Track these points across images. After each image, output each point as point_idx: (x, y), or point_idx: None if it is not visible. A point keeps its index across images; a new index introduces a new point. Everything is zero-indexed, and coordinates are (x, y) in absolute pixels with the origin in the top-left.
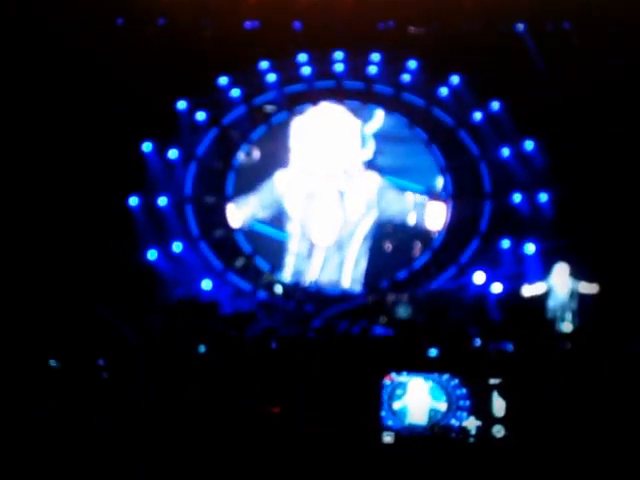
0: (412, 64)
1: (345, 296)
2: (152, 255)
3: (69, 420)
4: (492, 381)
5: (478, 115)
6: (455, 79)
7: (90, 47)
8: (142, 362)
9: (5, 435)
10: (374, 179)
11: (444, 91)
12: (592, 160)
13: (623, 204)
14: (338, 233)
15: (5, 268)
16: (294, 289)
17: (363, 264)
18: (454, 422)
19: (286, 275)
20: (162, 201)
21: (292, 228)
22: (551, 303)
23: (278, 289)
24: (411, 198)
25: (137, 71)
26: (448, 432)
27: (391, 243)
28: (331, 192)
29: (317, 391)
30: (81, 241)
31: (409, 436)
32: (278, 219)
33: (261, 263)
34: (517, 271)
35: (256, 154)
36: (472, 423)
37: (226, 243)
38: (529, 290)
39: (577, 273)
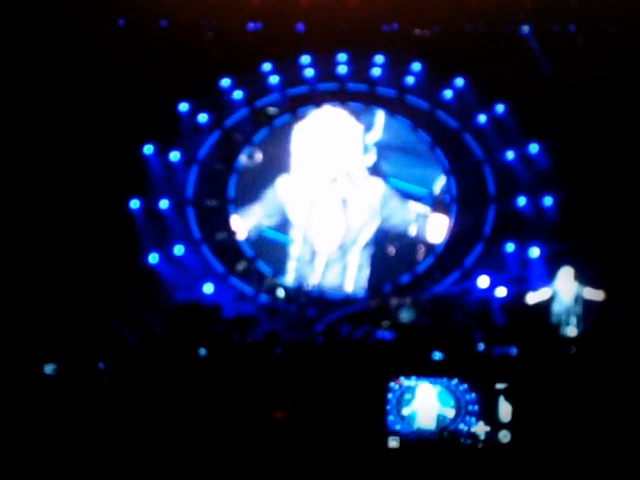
0: (416, 66)
1: (348, 300)
2: (153, 258)
3: (69, 424)
4: (498, 386)
5: (482, 118)
6: (459, 81)
7: (91, 48)
8: (143, 366)
9: (5, 439)
10: (378, 186)
11: (448, 94)
12: (597, 163)
13: (629, 208)
14: (341, 240)
15: (6, 270)
16: (297, 293)
17: (366, 269)
18: (463, 427)
19: (288, 279)
20: (163, 204)
21: (294, 234)
22: (556, 307)
23: (280, 293)
24: (414, 208)
25: (138, 73)
26: (457, 437)
27: (394, 247)
28: (334, 199)
29: (321, 396)
30: (82, 244)
31: (416, 441)
32: (282, 224)
33: (263, 267)
34: (522, 275)
35: (258, 157)
36: (481, 428)
37: (228, 246)
38: (534, 297)
39: (582, 278)
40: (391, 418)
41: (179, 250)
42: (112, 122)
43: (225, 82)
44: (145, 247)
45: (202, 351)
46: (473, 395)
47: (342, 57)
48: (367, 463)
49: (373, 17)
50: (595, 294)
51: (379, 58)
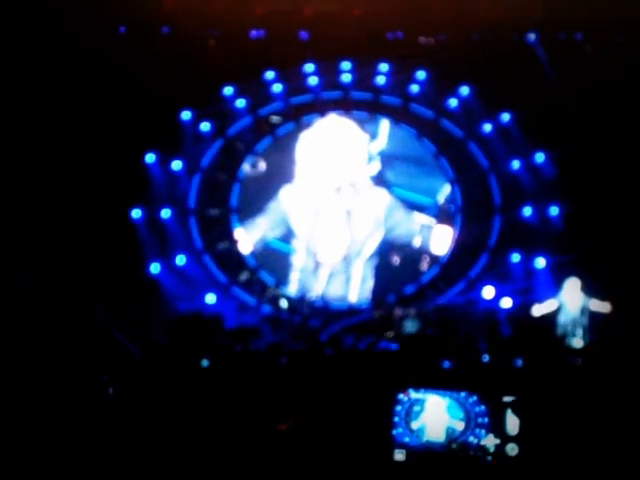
0: (421, 74)
1: (352, 311)
2: (155, 268)
3: (72, 434)
4: (506, 399)
5: (488, 127)
6: (465, 90)
7: (92, 56)
8: (145, 377)
9: (8, 449)
10: (383, 197)
11: (453, 102)
12: (604, 172)
13: (637, 218)
14: (345, 251)
15: (7, 279)
16: (300, 303)
17: (370, 279)
18: (472, 440)
19: (292, 289)
20: (165, 213)
21: (298, 244)
22: (562, 319)
23: (283, 303)
24: (419, 219)
25: (140, 81)
26: (466, 450)
27: (399, 257)
28: (338, 209)
29: (327, 408)
30: (83, 254)
31: (424, 453)
32: (286, 235)
33: (266, 277)
34: (527, 286)
35: (262, 166)
36: (491, 441)
37: (230, 256)
38: (540, 309)
39: (588, 289)
40: (400, 430)
41: (181, 260)
42: (114, 130)
43: (228, 90)
44: (147, 257)
45: (204, 362)
46: (482, 407)
47: (346, 65)
48: (373, 476)
49: (377, 25)
50: (601, 306)
51: (383, 66)
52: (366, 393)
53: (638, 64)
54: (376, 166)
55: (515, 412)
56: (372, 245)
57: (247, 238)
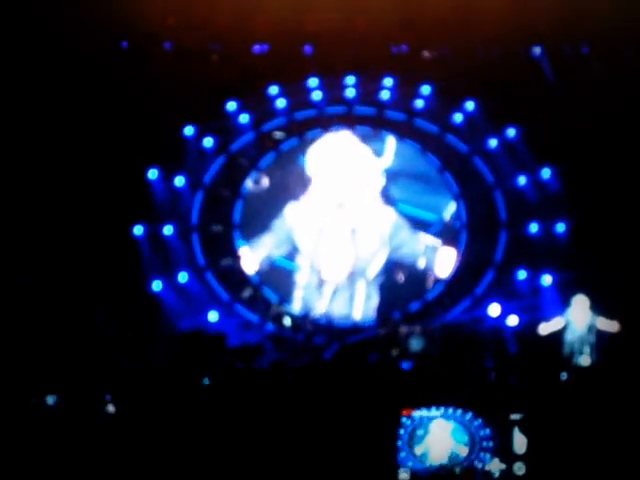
0: (426, 89)
1: (356, 328)
2: (157, 286)
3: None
4: (513, 417)
5: (493, 142)
6: (470, 105)
7: (94, 71)
8: (147, 396)
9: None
10: (389, 215)
11: (458, 117)
12: (612, 188)
13: None
14: (349, 269)
15: (8, 297)
16: (304, 321)
17: (375, 297)
18: (477, 464)
19: (295, 307)
20: (168, 230)
21: (302, 261)
22: (569, 336)
23: (287, 321)
24: (424, 240)
25: (142, 96)
26: (471, 474)
27: (404, 274)
28: (343, 228)
29: (330, 427)
30: (84, 272)
31: (427, 476)
32: (291, 252)
33: (269, 294)
34: (534, 303)
35: (265, 182)
36: (496, 465)
37: (233, 273)
38: (546, 327)
39: (595, 307)
40: (403, 454)
41: (183, 277)
42: (116, 146)
43: (231, 105)
44: (149, 274)
45: (205, 381)
46: (487, 431)
47: (350, 80)
48: None
49: (382, 39)
50: (609, 325)
51: (388, 81)
52: (370, 414)
53: None
54: (381, 182)
55: (522, 431)
56: (377, 265)
57: (253, 256)
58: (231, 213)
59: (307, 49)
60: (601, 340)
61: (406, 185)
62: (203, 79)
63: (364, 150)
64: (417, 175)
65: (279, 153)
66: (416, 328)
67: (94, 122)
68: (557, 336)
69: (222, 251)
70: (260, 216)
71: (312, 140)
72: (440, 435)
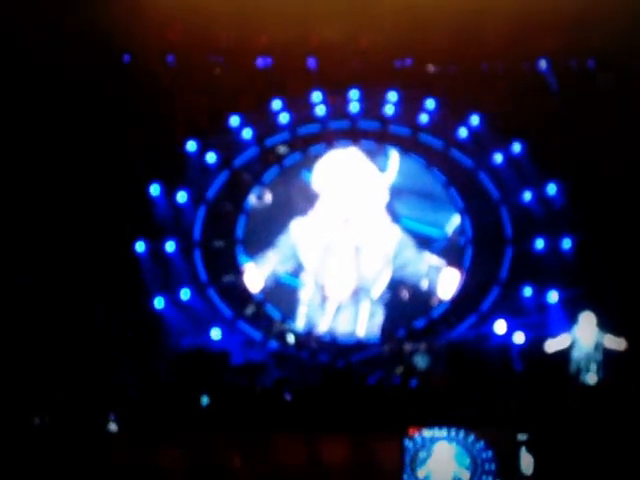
0: (430, 104)
1: (360, 346)
2: (159, 303)
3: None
4: (520, 437)
5: (499, 157)
6: (475, 119)
7: (95, 85)
8: (148, 414)
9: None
10: (393, 232)
11: (463, 132)
12: (618, 204)
13: None
14: (353, 286)
15: (8, 315)
16: (307, 338)
17: (379, 314)
18: None
19: (299, 324)
20: (170, 246)
21: (306, 278)
22: (575, 354)
23: (290, 338)
24: (428, 260)
25: (144, 110)
26: None
27: (408, 291)
28: (348, 245)
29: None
30: (85, 289)
31: None
32: (296, 269)
33: (272, 311)
34: (540, 320)
35: (268, 197)
36: None
37: (236, 290)
38: (553, 344)
39: (602, 324)
40: (405, 477)
41: (185, 294)
42: (118, 161)
43: (234, 120)
44: (150, 291)
45: (206, 399)
46: (489, 453)
47: (354, 94)
48: None
49: (386, 53)
50: (617, 342)
51: (392, 95)
52: (374, 434)
53: None
54: (385, 198)
55: (529, 451)
56: (381, 283)
57: (256, 273)
58: (234, 229)
59: (311, 63)
60: (608, 358)
61: (410, 200)
62: (206, 93)
63: (369, 166)
64: (422, 190)
65: (282, 168)
66: (421, 346)
67: (96, 136)
68: (564, 354)
69: (225, 267)
70: (263, 232)
71: (316, 155)
72: (443, 458)
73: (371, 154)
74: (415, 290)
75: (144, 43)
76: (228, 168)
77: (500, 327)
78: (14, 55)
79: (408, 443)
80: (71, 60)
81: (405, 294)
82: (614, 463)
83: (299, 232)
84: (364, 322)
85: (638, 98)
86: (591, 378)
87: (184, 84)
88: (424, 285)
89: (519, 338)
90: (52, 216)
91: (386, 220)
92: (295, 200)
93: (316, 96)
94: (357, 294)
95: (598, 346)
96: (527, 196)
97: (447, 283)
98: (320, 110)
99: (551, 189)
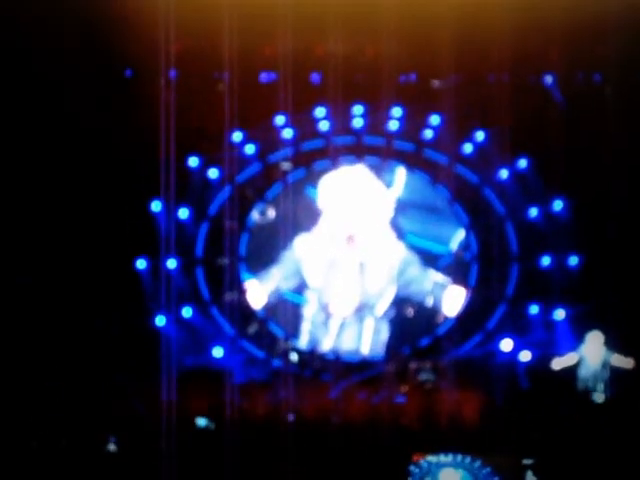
0: (435, 119)
1: (365, 364)
2: (160, 321)
3: None
4: (525, 461)
5: (504, 173)
6: (480, 135)
7: (97, 99)
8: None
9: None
10: (398, 249)
11: (468, 147)
12: (625, 220)
13: None
14: (357, 304)
15: (9, 333)
16: (311, 357)
17: (384, 332)
18: None
19: (302, 342)
20: (171, 263)
21: (309, 295)
22: (582, 372)
23: (294, 357)
24: (433, 277)
25: (146, 125)
26: None
27: (413, 309)
28: (352, 262)
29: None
30: (86, 307)
31: None
32: (300, 286)
33: (275, 329)
34: (547, 338)
35: (271, 214)
36: None
37: (239, 307)
38: (560, 363)
39: (610, 342)
40: None
41: (187, 312)
42: (118, 177)
43: (237, 136)
44: (152, 309)
45: (205, 420)
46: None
47: (358, 109)
48: None
49: (390, 68)
50: (624, 361)
51: (397, 110)
52: (378, 459)
53: None
54: (390, 214)
55: (536, 475)
56: (386, 301)
57: (259, 290)
58: (237, 246)
59: (315, 78)
60: (615, 376)
61: (415, 216)
62: (208, 108)
63: (374, 182)
64: (427, 206)
65: (286, 184)
66: (426, 364)
67: (97, 152)
68: (571, 372)
69: (227, 284)
70: (266, 248)
71: (320, 171)
72: None
73: (376, 170)
74: (420, 307)
75: (146, 58)
76: (231, 184)
77: (506, 345)
78: (15, 70)
79: (414, 469)
80: (73, 75)
81: (410, 311)
82: None
83: (303, 249)
84: (368, 340)
85: None
86: (598, 397)
87: (186, 99)
88: (429, 302)
89: (526, 356)
90: (53, 234)
91: (391, 236)
92: (299, 216)
93: (320, 111)
94: (361, 311)
95: (605, 365)
96: (533, 212)
97: (452, 300)
98: (324, 126)
99: (557, 205)
